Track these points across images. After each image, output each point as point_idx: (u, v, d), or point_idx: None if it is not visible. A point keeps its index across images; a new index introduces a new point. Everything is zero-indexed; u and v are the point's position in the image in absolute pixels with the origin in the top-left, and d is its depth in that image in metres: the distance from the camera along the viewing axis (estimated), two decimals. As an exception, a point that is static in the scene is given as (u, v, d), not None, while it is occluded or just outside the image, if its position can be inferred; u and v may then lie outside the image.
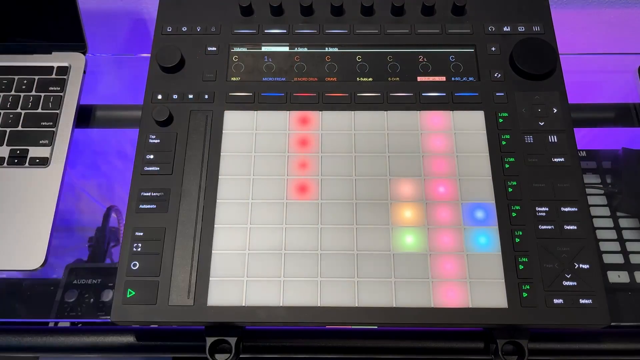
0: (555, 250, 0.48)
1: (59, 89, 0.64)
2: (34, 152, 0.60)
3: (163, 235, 0.49)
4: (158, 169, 0.52)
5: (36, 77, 0.64)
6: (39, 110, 0.63)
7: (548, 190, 0.50)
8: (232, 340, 0.48)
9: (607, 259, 0.56)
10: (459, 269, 0.47)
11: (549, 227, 0.49)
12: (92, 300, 0.62)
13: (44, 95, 0.63)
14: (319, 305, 0.46)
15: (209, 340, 0.48)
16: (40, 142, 0.61)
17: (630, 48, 0.84)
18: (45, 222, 0.57)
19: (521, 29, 0.58)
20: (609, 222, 0.59)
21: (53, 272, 0.64)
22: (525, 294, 0.46)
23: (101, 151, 0.79)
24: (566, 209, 0.50)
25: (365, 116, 0.54)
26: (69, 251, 0.71)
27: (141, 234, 0.49)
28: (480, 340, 0.50)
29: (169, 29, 0.59)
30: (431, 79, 0.56)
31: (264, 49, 0.58)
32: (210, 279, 0.47)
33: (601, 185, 0.61)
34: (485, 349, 0.50)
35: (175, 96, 0.56)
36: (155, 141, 0.53)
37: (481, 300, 0.46)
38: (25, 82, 0.64)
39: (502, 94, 0.55)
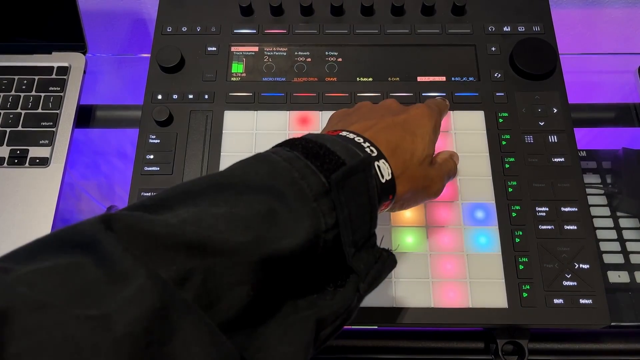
0: (555, 250, 0.48)
1: (59, 89, 0.64)
2: (34, 152, 0.60)
3: (163, 235, 0.49)
4: (158, 169, 0.52)
5: (36, 77, 0.64)
6: (39, 110, 0.63)
7: (548, 190, 0.50)
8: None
9: (607, 259, 0.56)
10: (459, 269, 0.47)
11: (549, 227, 0.49)
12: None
13: (44, 95, 0.63)
14: (319, 305, 0.46)
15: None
16: (40, 142, 0.61)
17: (630, 48, 0.84)
18: (45, 222, 0.57)
19: (521, 29, 0.58)
20: (609, 222, 0.59)
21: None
22: (525, 294, 0.46)
23: (101, 151, 0.79)
24: (566, 209, 0.50)
25: (365, 116, 0.54)
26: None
27: (141, 234, 0.49)
28: (481, 340, 0.50)
29: (169, 29, 0.59)
30: (431, 79, 0.56)
31: (264, 48, 0.58)
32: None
33: (601, 185, 0.61)
34: (486, 349, 0.50)
35: (175, 96, 0.56)
36: (155, 141, 0.53)
37: (481, 300, 0.46)
38: (25, 82, 0.64)
39: (502, 94, 0.55)
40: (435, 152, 0.44)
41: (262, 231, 0.28)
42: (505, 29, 0.58)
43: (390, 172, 0.36)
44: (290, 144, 0.34)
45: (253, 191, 0.30)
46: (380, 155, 0.36)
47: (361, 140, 0.36)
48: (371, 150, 0.36)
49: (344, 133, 0.37)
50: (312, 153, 0.33)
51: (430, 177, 0.41)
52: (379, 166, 0.35)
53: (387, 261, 0.35)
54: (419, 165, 0.39)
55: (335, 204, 0.31)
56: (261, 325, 0.29)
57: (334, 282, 0.32)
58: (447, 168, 0.44)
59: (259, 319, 0.29)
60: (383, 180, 0.35)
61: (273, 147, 0.35)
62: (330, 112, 0.54)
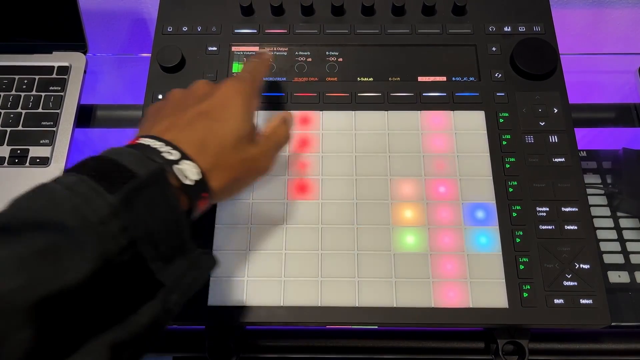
0: (555, 250, 0.48)
1: (59, 88, 0.64)
2: (35, 151, 0.60)
3: (163, 235, 0.49)
4: (158, 168, 0.52)
5: (37, 77, 0.64)
6: (40, 110, 0.63)
7: (548, 190, 0.50)
8: (233, 341, 0.48)
9: (608, 259, 0.56)
10: (460, 269, 0.48)
11: (550, 227, 0.49)
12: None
13: (45, 95, 0.63)
14: (319, 305, 0.46)
15: (209, 341, 0.48)
16: (41, 141, 0.61)
17: (630, 48, 0.84)
18: (45, 221, 0.57)
19: (522, 29, 0.58)
20: (609, 222, 0.59)
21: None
22: (525, 294, 0.46)
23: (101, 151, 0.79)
24: (566, 209, 0.50)
25: (366, 116, 0.54)
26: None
27: (142, 233, 0.49)
28: (481, 340, 0.50)
29: (170, 28, 0.59)
30: (432, 79, 0.56)
31: (264, 48, 0.58)
32: (211, 278, 0.47)
33: (601, 185, 0.61)
34: (486, 349, 0.50)
35: (175, 96, 0.56)
36: (156, 141, 0.53)
37: (482, 300, 0.46)
38: (25, 81, 0.64)
39: (503, 94, 0.55)
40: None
41: (37, 272, 0.27)
42: (505, 29, 0.58)
43: (197, 171, 0.35)
44: (78, 167, 0.33)
45: (29, 228, 0.28)
46: (183, 157, 0.35)
47: (161, 144, 0.35)
48: (170, 154, 0.34)
49: (141, 140, 0.36)
50: (100, 173, 0.31)
51: (253, 158, 0.40)
52: (181, 169, 0.34)
53: (203, 265, 0.34)
54: (234, 151, 0.38)
55: (127, 223, 0.29)
56: None
57: (146, 297, 0.31)
58: (275, 140, 0.43)
59: (55, 356, 0.28)
60: (190, 182, 0.34)
61: (63, 172, 0.33)
62: (331, 112, 0.54)
